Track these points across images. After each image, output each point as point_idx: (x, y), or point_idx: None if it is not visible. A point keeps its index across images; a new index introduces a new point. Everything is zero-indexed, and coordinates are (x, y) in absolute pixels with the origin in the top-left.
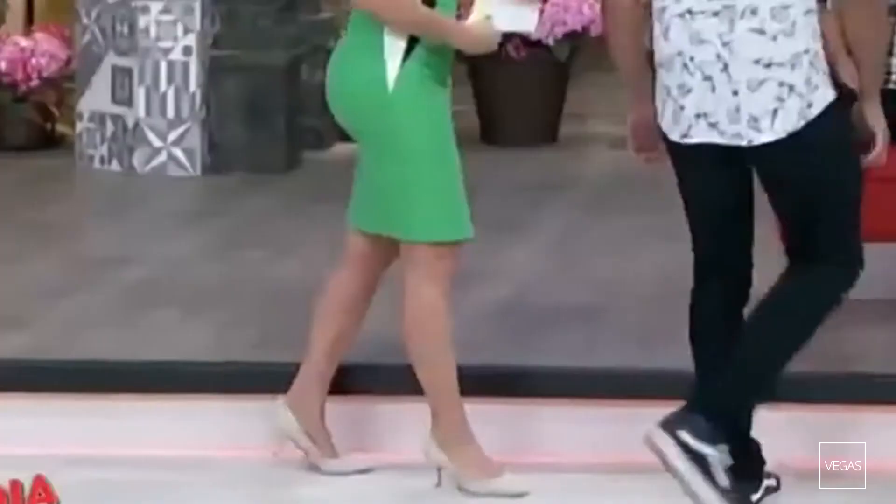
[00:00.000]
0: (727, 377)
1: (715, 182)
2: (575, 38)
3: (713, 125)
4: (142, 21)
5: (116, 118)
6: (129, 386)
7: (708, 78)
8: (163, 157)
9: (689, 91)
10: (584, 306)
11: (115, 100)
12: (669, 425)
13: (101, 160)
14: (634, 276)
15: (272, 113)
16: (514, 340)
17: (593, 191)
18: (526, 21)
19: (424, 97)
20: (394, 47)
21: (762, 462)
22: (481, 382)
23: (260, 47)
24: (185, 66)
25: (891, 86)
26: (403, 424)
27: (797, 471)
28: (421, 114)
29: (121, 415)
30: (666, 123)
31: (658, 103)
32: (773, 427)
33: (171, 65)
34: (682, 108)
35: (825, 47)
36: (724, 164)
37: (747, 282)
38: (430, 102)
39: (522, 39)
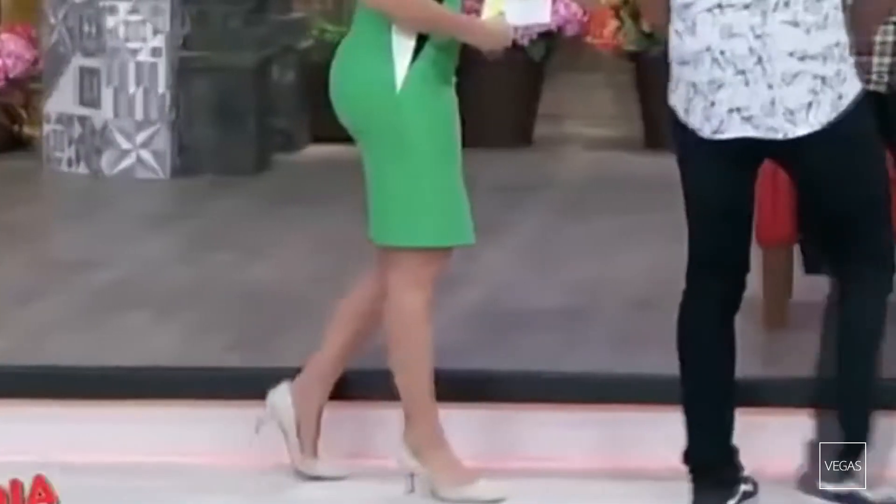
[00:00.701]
0: (854, 414)
1: (730, 180)
2: (550, 39)
3: (747, 119)
4: (110, 21)
5: (84, 120)
6: (98, 392)
7: (741, 72)
8: (131, 159)
9: (720, 86)
10: (560, 309)
11: (82, 101)
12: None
13: (69, 163)
14: (611, 278)
15: (242, 114)
16: (489, 344)
17: (569, 192)
18: (539, 13)
19: (431, 97)
20: (402, 47)
21: (739, 468)
22: (456, 387)
23: (229, 48)
24: (154, 67)
25: (871, 87)
26: (380, 429)
27: (774, 475)
28: (428, 114)
29: (91, 421)
30: (695, 120)
31: (679, 101)
32: (749, 431)
33: (139, 66)
34: (713, 103)
35: None
36: (749, 160)
37: (743, 286)
38: (436, 103)
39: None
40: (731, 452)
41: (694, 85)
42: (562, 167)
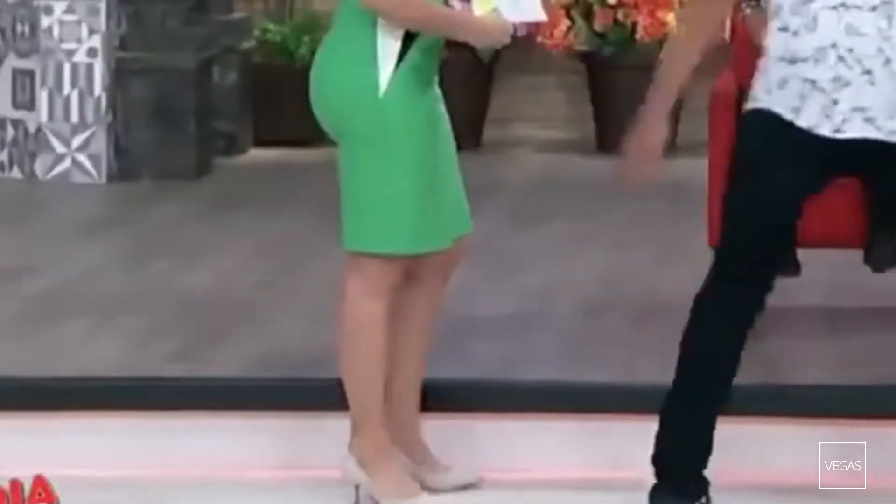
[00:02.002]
0: None
1: (815, 185)
2: None
3: (870, 120)
4: (44, 21)
5: (17, 123)
6: (33, 403)
7: (868, 71)
8: (66, 163)
9: (846, 84)
10: (512, 315)
11: (15, 104)
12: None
13: (2, 167)
14: (565, 284)
15: (182, 117)
16: (439, 352)
17: (520, 196)
18: (532, 10)
19: (414, 102)
20: (387, 50)
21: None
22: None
23: (169, 49)
24: (90, 68)
25: None
26: (326, 439)
27: (731, 484)
28: (410, 119)
29: (26, 433)
30: (809, 118)
31: (785, 99)
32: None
33: (75, 67)
34: (835, 101)
35: (755, 43)
36: (852, 165)
37: (763, 305)
38: (419, 107)
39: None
40: (705, 463)
41: (813, 82)
42: (512, 170)
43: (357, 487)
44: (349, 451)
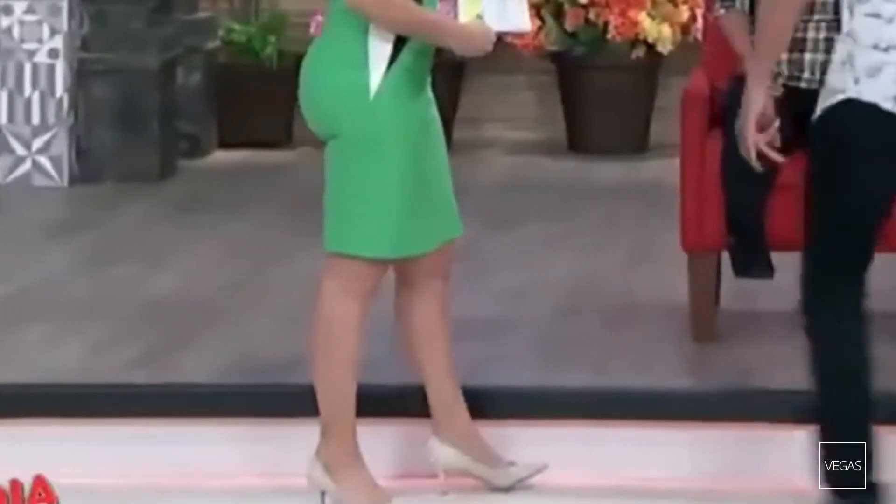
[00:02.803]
0: None
1: None
2: None
3: None
4: (4, 21)
5: None
6: None
7: None
8: (27, 165)
9: None
10: (484, 319)
11: None
12: None
13: None
14: (537, 286)
15: (145, 118)
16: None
17: (490, 198)
18: (517, 20)
19: (405, 105)
20: (379, 52)
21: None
22: (374, 402)
23: (132, 49)
24: (51, 69)
25: (802, 84)
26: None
27: (698, 491)
28: (401, 123)
29: None
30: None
31: (883, 87)
32: (672, 445)
33: (35, 68)
34: None
35: (730, 43)
36: None
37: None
38: (410, 110)
39: None
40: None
41: None
42: (482, 172)
43: (323, 494)
44: (316, 456)
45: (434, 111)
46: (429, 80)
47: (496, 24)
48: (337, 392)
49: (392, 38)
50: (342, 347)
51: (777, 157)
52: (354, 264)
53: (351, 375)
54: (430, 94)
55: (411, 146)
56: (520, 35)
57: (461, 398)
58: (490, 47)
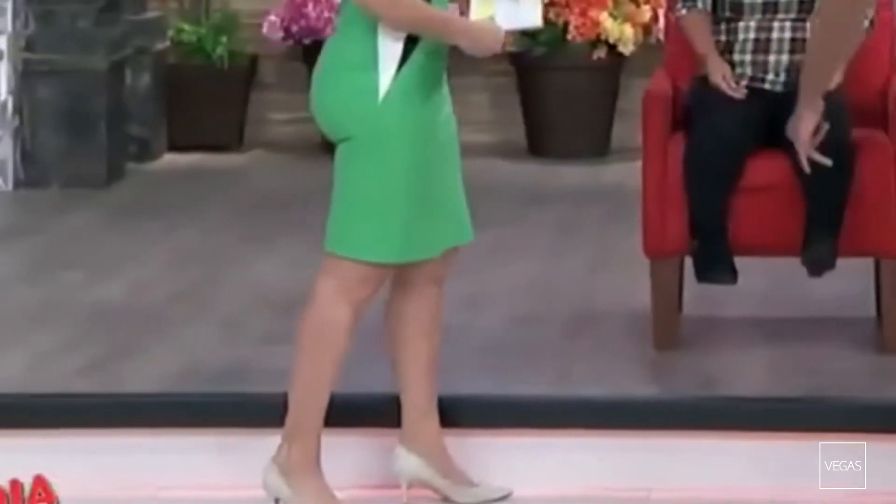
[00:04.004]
0: None
1: None
2: None
3: None
4: None
5: None
6: None
7: None
8: None
9: None
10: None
11: None
12: None
13: None
14: (496, 293)
15: (92, 121)
16: (363, 366)
17: None
18: (530, 17)
19: (416, 107)
20: (389, 53)
21: None
22: (332, 411)
23: (78, 50)
24: None
25: (766, 86)
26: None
27: (661, 500)
28: (410, 126)
29: None
30: None
31: None
32: (634, 455)
33: None
34: None
35: (692, 44)
36: None
37: None
38: (421, 113)
39: None
40: None
41: None
42: None
43: (277, 501)
44: (273, 460)
45: (449, 110)
46: (444, 78)
47: (509, 22)
48: (312, 395)
49: (402, 38)
50: (330, 351)
51: (825, 161)
52: (355, 268)
53: (330, 381)
54: (445, 92)
55: (419, 150)
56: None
57: (435, 410)
58: (499, 47)
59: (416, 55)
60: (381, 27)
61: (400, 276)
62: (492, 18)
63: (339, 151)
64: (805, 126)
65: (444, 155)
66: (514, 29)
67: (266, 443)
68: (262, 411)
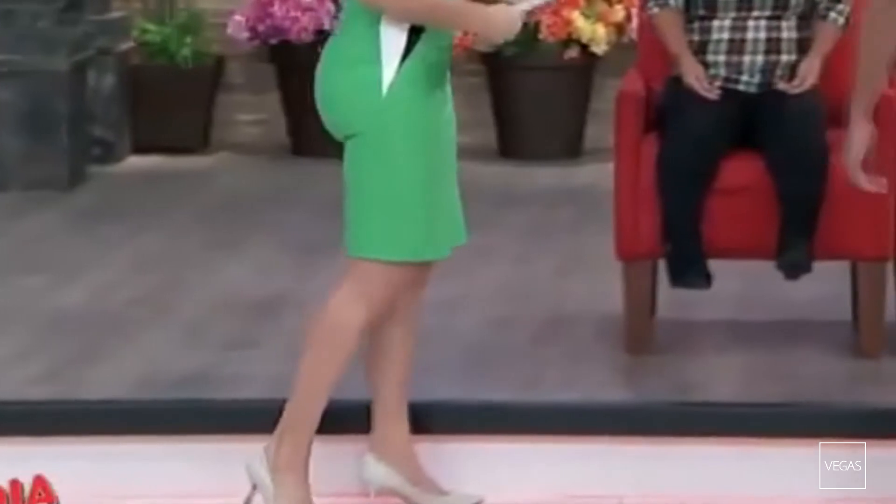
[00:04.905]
0: None
1: None
2: None
3: None
4: None
5: None
6: None
7: None
8: None
9: None
10: None
11: None
12: None
13: None
14: (466, 297)
15: (54, 123)
16: None
17: None
18: None
19: (420, 101)
20: (392, 46)
21: None
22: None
23: (40, 51)
24: None
25: (740, 87)
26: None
27: None
28: (414, 120)
29: None
30: None
31: None
32: (606, 461)
33: None
34: None
35: (665, 43)
36: None
37: None
38: (425, 107)
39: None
40: None
41: None
42: None
43: (254, 487)
44: (265, 450)
45: (450, 111)
46: (448, 76)
47: (524, 3)
48: (314, 396)
49: (405, 30)
50: (338, 357)
51: (882, 185)
52: (377, 269)
53: (332, 383)
54: (448, 91)
55: (426, 143)
56: (545, 11)
57: (405, 415)
58: (512, 34)
59: (420, 48)
60: (385, 20)
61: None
62: (507, 2)
63: (347, 150)
64: (856, 145)
65: (447, 154)
66: (532, 7)
67: (230, 449)
68: (226, 418)
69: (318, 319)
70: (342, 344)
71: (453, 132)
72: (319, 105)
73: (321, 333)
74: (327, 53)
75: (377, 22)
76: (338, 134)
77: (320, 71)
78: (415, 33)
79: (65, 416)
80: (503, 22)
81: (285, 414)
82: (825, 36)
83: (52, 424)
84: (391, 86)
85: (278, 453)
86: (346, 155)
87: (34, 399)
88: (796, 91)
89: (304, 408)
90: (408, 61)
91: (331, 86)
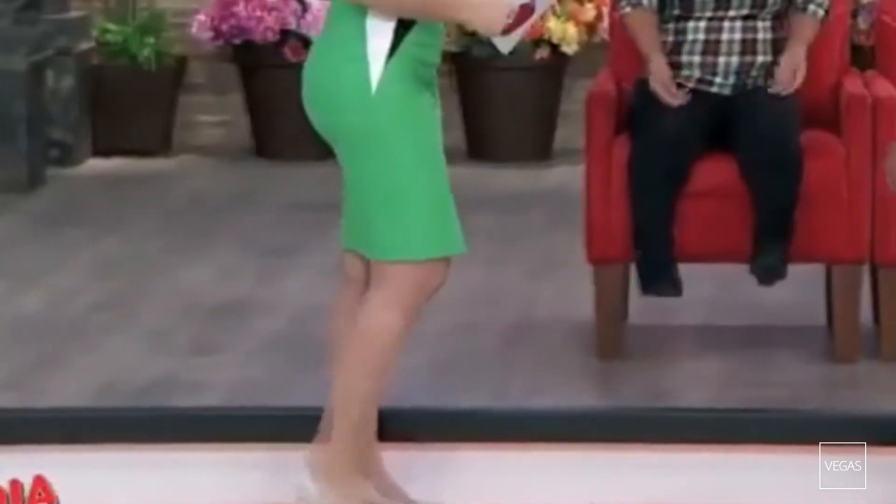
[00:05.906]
0: None
1: None
2: None
3: None
4: None
5: None
6: None
7: None
8: None
9: None
10: None
11: None
12: None
13: None
14: (431, 302)
15: (11, 125)
16: (289, 377)
17: None
18: None
19: (410, 97)
20: (378, 42)
21: None
22: (256, 427)
23: None
24: None
25: (713, 88)
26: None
27: None
28: (406, 116)
29: None
30: None
31: None
32: (575, 468)
33: None
34: None
35: (637, 43)
36: None
37: None
38: (415, 103)
39: (302, 40)
40: None
41: None
42: None
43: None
44: (305, 462)
45: (439, 114)
46: (435, 76)
47: None
48: (368, 401)
49: (392, 27)
50: (383, 363)
51: None
52: (404, 270)
53: (376, 394)
54: (436, 94)
55: (422, 138)
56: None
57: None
58: (503, 21)
59: (406, 46)
60: (370, 18)
61: (365, 275)
62: None
63: (342, 155)
64: None
65: (441, 153)
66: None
67: (195, 458)
68: (190, 425)
69: (357, 334)
70: (386, 356)
71: (441, 138)
72: (307, 105)
73: (362, 353)
74: (314, 52)
75: (363, 20)
76: (327, 134)
77: (307, 71)
78: (401, 30)
79: (25, 423)
80: (492, 9)
81: (336, 423)
82: (805, 28)
83: (12, 433)
84: (380, 83)
85: (322, 459)
86: (343, 159)
87: None
88: (794, 89)
89: (357, 414)
90: (395, 57)
91: (316, 86)
